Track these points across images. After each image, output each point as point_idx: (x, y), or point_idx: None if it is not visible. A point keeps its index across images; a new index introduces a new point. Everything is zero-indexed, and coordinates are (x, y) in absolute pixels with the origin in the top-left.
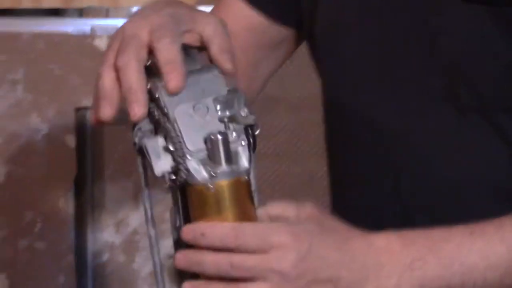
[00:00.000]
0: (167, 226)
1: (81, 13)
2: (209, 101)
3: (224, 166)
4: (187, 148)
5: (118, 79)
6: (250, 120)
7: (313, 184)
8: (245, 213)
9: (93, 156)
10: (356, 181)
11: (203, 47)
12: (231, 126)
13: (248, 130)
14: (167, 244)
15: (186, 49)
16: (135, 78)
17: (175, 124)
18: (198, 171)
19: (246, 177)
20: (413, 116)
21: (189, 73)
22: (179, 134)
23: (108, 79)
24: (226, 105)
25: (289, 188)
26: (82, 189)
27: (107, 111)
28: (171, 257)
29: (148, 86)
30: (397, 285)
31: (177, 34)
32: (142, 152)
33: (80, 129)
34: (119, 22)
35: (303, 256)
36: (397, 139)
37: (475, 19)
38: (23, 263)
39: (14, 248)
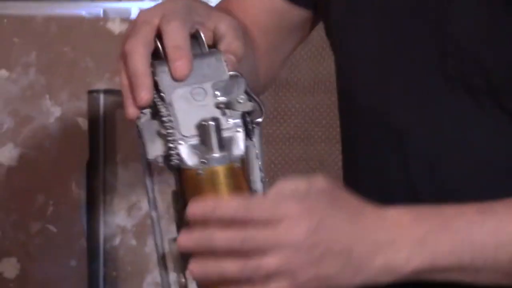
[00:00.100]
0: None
1: None
2: (208, 86)
3: (215, 152)
4: (180, 132)
5: (126, 64)
6: (248, 106)
7: (324, 169)
8: None
9: (105, 140)
10: (368, 167)
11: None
12: (227, 112)
13: (246, 116)
14: (172, 229)
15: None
16: (140, 63)
17: (171, 108)
18: (190, 156)
19: (239, 164)
20: (424, 101)
21: (192, 56)
22: (172, 118)
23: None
24: (225, 90)
25: (299, 173)
26: (94, 173)
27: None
28: (175, 239)
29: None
30: (407, 258)
31: (188, 20)
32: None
33: (93, 112)
34: (131, 5)
35: (314, 228)
36: (410, 128)
37: (486, 4)
38: (34, 247)
39: (26, 231)
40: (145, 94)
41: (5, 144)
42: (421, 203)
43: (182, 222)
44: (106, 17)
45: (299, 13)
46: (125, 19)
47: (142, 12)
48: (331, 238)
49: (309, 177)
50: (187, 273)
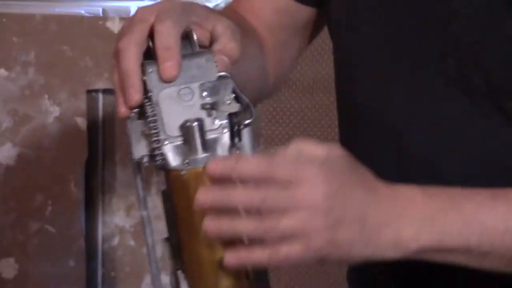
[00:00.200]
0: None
1: None
2: (195, 86)
3: (199, 153)
4: (165, 132)
5: (118, 62)
6: (234, 108)
7: None
8: None
9: (104, 139)
10: (367, 167)
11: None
12: (214, 113)
13: (233, 118)
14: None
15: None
16: (131, 62)
17: (157, 108)
18: (174, 157)
19: None
20: (423, 102)
21: (182, 56)
22: (158, 118)
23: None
24: (212, 91)
25: None
26: (93, 172)
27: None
28: (167, 239)
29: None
30: (415, 234)
31: (182, 20)
32: None
33: (92, 111)
34: (131, 4)
35: (334, 191)
36: (409, 128)
37: (486, 4)
38: (33, 247)
39: (24, 231)
40: (135, 95)
41: (4, 143)
42: None
43: (171, 222)
44: (105, 16)
45: (305, 12)
46: (124, 18)
47: (139, 9)
48: (348, 205)
49: (326, 144)
50: (179, 273)
